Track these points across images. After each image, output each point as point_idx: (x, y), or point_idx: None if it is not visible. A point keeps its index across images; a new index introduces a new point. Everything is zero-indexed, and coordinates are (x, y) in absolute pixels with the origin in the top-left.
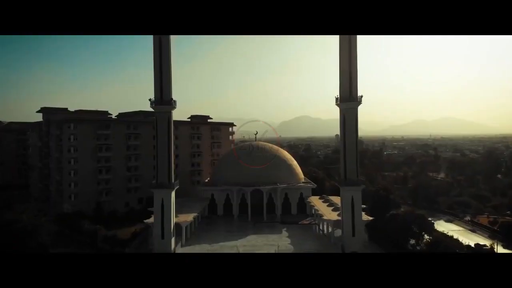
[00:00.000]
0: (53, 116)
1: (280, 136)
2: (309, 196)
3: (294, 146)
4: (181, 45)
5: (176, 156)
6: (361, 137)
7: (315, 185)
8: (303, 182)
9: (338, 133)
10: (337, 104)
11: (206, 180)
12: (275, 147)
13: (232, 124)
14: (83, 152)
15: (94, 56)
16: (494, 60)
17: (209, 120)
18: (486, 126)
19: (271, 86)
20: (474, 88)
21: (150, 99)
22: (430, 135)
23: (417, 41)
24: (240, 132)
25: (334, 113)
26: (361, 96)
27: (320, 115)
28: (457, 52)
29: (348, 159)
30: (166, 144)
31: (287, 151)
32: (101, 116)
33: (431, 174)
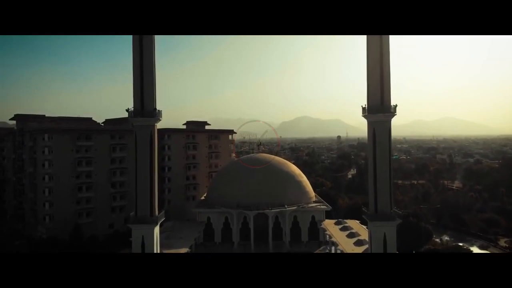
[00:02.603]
0: (28, 124)
1: (280, 137)
2: (322, 220)
3: (296, 149)
4: (181, 45)
5: (169, 168)
6: (363, 138)
7: (330, 207)
8: (314, 202)
9: (340, 134)
10: (364, 116)
11: (203, 197)
12: (282, 160)
13: (232, 132)
14: (59, 167)
15: (93, 56)
16: (494, 60)
17: (206, 127)
18: (486, 127)
19: (271, 86)
20: (474, 88)
21: (127, 109)
22: (433, 136)
23: (417, 41)
24: (240, 132)
25: (334, 113)
26: (395, 106)
27: (320, 115)
28: (457, 52)
29: (379, 185)
30: (147, 167)
31: (288, 159)
32: (83, 124)
33: (445, 182)
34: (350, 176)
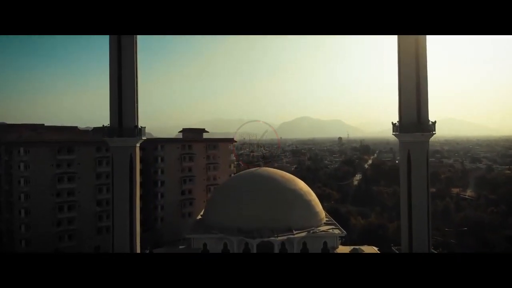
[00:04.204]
0: (5, 135)
1: (281, 137)
2: (335, 248)
3: (297, 151)
4: (181, 45)
5: (162, 183)
6: (363, 139)
7: (344, 232)
8: (325, 223)
9: (340, 134)
10: (395, 134)
11: (199, 217)
12: (288, 175)
13: (232, 140)
14: (37, 184)
15: (87, 56)
16: (495, 61)
17: (204, 135)
18: (486, 127)
19: (271, 87)
20: (473, 89)
21: (103, 126)
22: (435, 138)
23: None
24: (239, 133)
25: (334, 114)
26: (434, 122)
27: (321, 115)
28: (457, 53)
29: (415, 220)
30: (126, 197)
31: (290, 164)
32: (66, 134)
33: (456, 190)
34: (355, 182)
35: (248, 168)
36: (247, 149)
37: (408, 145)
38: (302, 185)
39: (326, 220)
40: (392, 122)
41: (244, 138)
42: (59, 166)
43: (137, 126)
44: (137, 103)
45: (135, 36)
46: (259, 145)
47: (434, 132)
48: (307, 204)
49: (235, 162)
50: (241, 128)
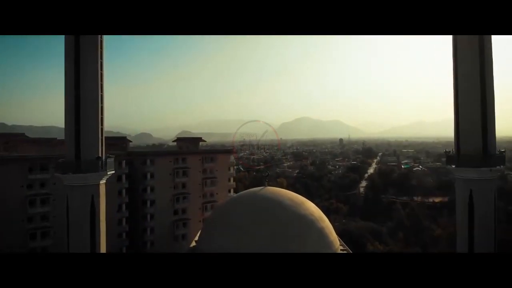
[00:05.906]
0: None
1: (281, 138)
2: None
3: (298, 154)
4: (180, 45)
5: (152, 202)
6: (364, 140)
7: None
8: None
9: (340, 134)
10: (449, 167)
11: (193, 243)
12: (298, 198)
13: (231, 151)
14: (5, 209)
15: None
16: (494, 60)
17: (201, 144)
18: None
19: (271, 87)
20: None
21: (59, 161)
22: (437, 139)
23: (416, 41)
24: (239, 133)
25: (334, 114)
26: (503, 152)
27: (320, 116)
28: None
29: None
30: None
31: (292, 169)
32: (42, 148)
33: None
34: (361, 189)
35: (248, 172)
36: (247, 151)
37: (470, 184)
38: (313, 208)
39: (341, 250)
40: (445, 151)
41: (244, 139)
42: (30, 187)
43: (101, 156)
44: (101, 125)
45: (99, 36)
46: (259, 146)
47: (503, 165)
48: (320, 232)
49: (235, 166)
50: (241, 128)
